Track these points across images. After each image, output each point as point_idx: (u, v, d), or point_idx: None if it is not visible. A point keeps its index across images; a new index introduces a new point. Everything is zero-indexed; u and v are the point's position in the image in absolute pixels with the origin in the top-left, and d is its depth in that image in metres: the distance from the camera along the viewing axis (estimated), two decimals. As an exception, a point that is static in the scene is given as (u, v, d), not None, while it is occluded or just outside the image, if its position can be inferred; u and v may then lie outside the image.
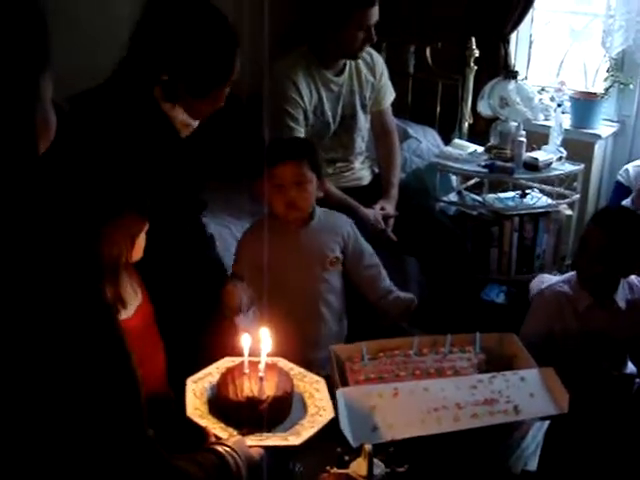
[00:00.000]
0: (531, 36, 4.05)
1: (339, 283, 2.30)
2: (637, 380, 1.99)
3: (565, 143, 3.48)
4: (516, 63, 3.93)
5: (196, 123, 2.15)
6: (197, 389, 1.60)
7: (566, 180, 3.47)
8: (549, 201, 3.46)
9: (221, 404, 1.55)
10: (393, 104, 3.22)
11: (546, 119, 3.69)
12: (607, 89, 3.74)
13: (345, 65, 3.00)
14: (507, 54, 3.85)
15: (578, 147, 3.61)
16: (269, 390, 1.54)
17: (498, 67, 3.77)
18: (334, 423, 1.58)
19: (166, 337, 1.90)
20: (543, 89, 3.91)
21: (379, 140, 3.20)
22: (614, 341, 2.15)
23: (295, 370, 1.70)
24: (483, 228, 3.45)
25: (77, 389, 0.96)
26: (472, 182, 3.64)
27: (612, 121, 3.85)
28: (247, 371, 1.58)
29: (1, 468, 0.97)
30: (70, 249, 0.97)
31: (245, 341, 1.60)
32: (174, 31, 1.98)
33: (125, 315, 1.75)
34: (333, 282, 2.27)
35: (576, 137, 3.68)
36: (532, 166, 3.33)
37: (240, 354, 1.61)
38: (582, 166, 3.45)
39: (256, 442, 1.45)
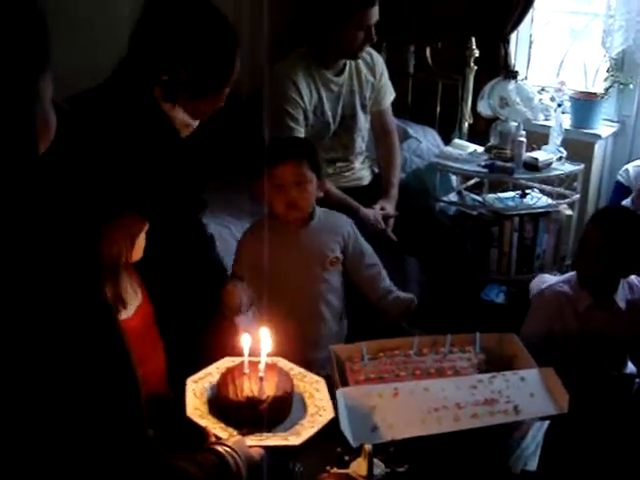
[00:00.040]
0: (531, 36, 4.05)
1: (339, 283, 2.30)
2: (637, 380, 1.99)
3: (565, 143, 3.48)
4: (516, 63, 3.93)
5: (196, 123, 2.14)
6: (197, 389, 1.60)
7: (566, 180, 3.47)
8: (549, 201, 3.47)
9: (221, 404, 1.55)
10: (393, 104, 3.22)
11: (546, 119, 3.69)
12: (607, 89, 3.74)
13: (345, 65, 3.00)
14: (507, 54, 3.85)
15: (578, 147, 3.61)
16: (269, 390, 1.53)
17: (498, 67, 3.77)
18: (334, 423, 1.58)
19: (166, 337, 1.90)
20: (543, 89, 3.91)
21: (379, 140, 3.20)
22: (614, 341, 2.15)
23: (295, 370, 1.70)
24: (483, 228, 3.45)
25: (77, 389, 0.96)
26: (472, 182, 3.64)
27: (612, 121, 3.85)
28: (247, 371, 1.58)
29: (1, 468, 0.97)
30: (70, 249, 0.97)
31: (245, 341, 1.60)
32: (174, 31, 1.98)
33: (125, 315, 1.75)
34: (333, 282, 2.27)
35: (576, 137, 3.68)
36: (532, 166, 3.33)
37: (240, 354, 1.61)
38: (582, 166, 3.45)
39: (256, 442, 1.45)
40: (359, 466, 1.52)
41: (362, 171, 3.18)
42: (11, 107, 0.92)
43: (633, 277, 2.23)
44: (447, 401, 1.72)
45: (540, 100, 3.67)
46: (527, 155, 3.35)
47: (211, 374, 1.65)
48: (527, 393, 1.76)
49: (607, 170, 3.90)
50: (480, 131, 3.74)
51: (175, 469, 1.12)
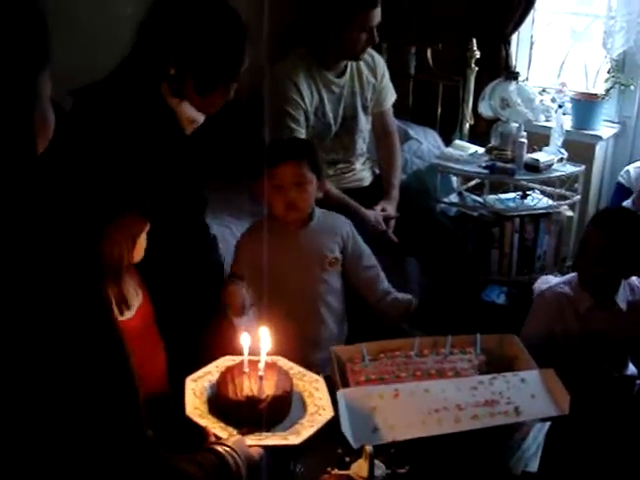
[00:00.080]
0: (532, 37, 4.04)
1: (339, 284, 2.29)
2: (638, 381, 1.99)
3: (566, 144, 3.47)
4: (517, 64, 3.93)
5: (202, 119, 2.13)
6: (197, 388, 1.60)
7: (567, 181, 3.46)
8: (550, 202, 3.46)
9: (221, 403, 1.55)
10: (394, 105, 3.22)
11: (547, 120, 3.69)
12: (608, 90, 3.73)
13: (346, 66, 3.00)
14: (508, 55, 3.84)
15: (579, 148, 3.60)
16: (269, 389, 1.53)
17: (499, 68, 3.77)
18: (335, 424, 1.58)
19: (166, 337, 1.90)
20: (544, 90, 3.91)
21: (380, 141, 3.19)
22: (615, 342, 2.14)
23: (294, 369, 1.69)
24: (484, 229, 3.44)
25: (75, 390, 0.96)
26: (473, 183, 3.64)
27: (613, 122, 3.85)
28: (247, 370, 1.57)
29: (1, 468, 0.96)
30: (70, 249, 0.97)
31: (245, 340, 1.60)
32: (182, 24, 1.96)
33: (126, 315, 1.75)
34: (333, 283, 2.27)
35: (577, 138, 3.67)
36: (533, 167, 3.32)
37: (240, 353, 1.61)
38: (583, 167, 3.45)
39: (256, 441, 1.45)
40: (360, 467, 1.52)
41: (363, 172, 3.18)
42: (10, 105, 0.92)
43: (634, 278, 2.22)
44: (448, 402, 1.72)
45: (541, 101, 3.67)
46: (528, 156, 3.34)
47: (210, 373, 1.65)
48: (528, 394, 1.76)
49: (608, 171, 3.90)
50: (481, 132, 3.73)
51: (175, 469, 1.12)
